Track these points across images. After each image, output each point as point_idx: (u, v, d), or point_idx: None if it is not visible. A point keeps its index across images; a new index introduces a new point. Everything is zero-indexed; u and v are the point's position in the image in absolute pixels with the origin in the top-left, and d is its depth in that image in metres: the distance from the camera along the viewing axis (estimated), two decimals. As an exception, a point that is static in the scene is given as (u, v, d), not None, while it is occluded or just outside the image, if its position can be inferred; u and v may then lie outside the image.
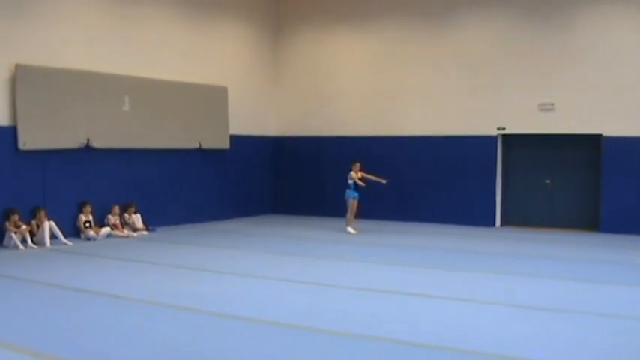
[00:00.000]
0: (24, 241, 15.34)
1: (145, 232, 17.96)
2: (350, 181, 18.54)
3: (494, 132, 20.28)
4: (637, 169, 18.69)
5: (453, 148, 20.71)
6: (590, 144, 19.53)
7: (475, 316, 9.76)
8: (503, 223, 20.53)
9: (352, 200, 18.61)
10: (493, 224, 20.29)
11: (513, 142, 20.55)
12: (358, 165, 18.61)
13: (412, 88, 21.40)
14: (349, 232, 18.44)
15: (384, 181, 18.83)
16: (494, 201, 20.41)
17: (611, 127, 18.98)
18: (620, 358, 7.80)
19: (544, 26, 19.69)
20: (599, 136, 19.20)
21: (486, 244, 17.08)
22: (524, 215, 20.43)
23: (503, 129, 20.20)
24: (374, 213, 21.00)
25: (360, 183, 18.51)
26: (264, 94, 23.35)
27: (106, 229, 17.27)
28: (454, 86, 20.79)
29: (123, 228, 17.66)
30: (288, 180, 23.46)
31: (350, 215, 18.69)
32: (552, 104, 19.62)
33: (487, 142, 20.34)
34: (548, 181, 20.18)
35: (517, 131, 20.13)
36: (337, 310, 9.90)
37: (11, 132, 15.83)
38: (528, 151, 20.52)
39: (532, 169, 20.43)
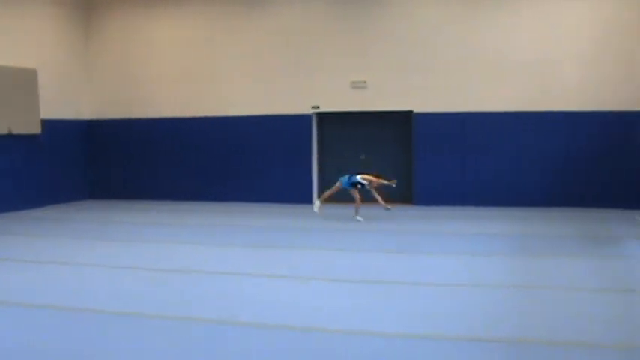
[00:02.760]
0: None
1: (-47, 224, 17.08)
2: (359, 179, 17.33)
3: (308, 110, 20.69)
4: (446, 144, 19.69)
5: (270, 127, 20.91)
6: (402, 120, 20.34)
7: (294, 292, 10.06)
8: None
9: (352, 190, 17.44)
10: (311, 201, 20.73)
11: (328, 119, 21.05)
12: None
13: (229, 68, 21.39)
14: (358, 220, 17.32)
15: (393, 184, 17.46)
16: (311, 178, 20.87)
17: (421, 104, 19.88)
18: (427, 322, 8.30)
19: (356, 5, 20.25)
20: (410, 112, 20.04)
21: (304, 221, 17.47)
22: (341, 191, 20.88)
23: (318, 107, 20.64)
24: (196, 194, 21.08)
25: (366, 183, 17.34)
26: (77, 77, 22.60)
27: None
28: (269, 65, 20.97)
29: None
30: (104, 164, 22.87)
31: (357, 204, 17.42)
32: (365, 82, 20.25)
33: (302, 120, 20.73)
34: (363, 157, 20.83)
35: (331, 109, 20.64)
36: (158, 294, 9.91)
37: None
38: (343, 128, 21.08)
39: (347, 145, 21.02)
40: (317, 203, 18.08)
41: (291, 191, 20.83)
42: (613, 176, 18.69)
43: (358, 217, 17.33)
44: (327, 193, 17.90)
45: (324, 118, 21.06)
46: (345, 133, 21.09)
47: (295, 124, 20.76)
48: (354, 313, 8.80)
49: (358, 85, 20.30)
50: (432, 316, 8.66)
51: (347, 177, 17.49)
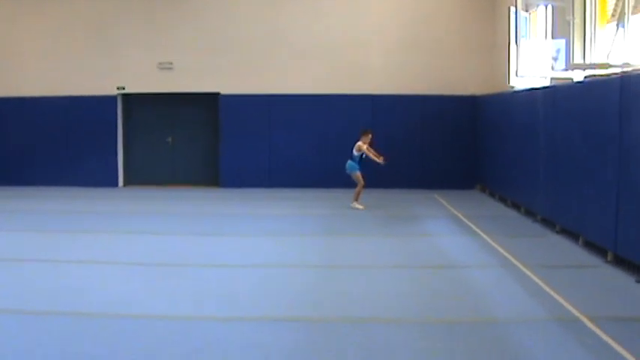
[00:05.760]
0: None
1: None
2: (356, 153, 15.78)
3: (114, 91, 20.03)
4: (252, 126, 19.69)
5: (73, 109, 20.02)
6: (209, 102, 20.13)
7: (96, 277, 9.67)
8: (127, 182, 20.44)
9: (358, 173, 16.00)
10: (116, 184, 20.13)
11: (134, 101, 20.48)
12: (370, 135, 15.91)
13: (29, 47, 20.25)
14: (356, 208, 15.88)
15: (381, 162, 15.84)
16: (117, 161, 20.21)
17: (228, 86, 19.75)
18: (231, 304, 8.23)
19: (160, -15, 19.87)
20: (217, 94, 19.87)
21: (109, 204, 16.93)
22: (147, 174, 20.49)
23: (123, 88, 20.04)
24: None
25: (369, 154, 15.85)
26: None
27: None
28: (72, 45, 20.04)
29: None
30: None
31: (359, 188, 15.98)
32: (171, 63, 19.88)
33: (107, 101, 20.02)
34: (169, 139, 20.45)
35: (137, 90, 20.09)
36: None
37: None
38: (149, 109, 20.59)
39: (154, 127, 20.54)
40: (358, 206, 15.96)
41: (97, 174, 20.02)
42: (414, 158, 19.40)
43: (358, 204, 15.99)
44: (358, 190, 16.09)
45: (131, 99, 20.45)
46: (151, 115, 20.60)
47: (100, 105, 19.99)
48: (157, 297, 8.57)
49: (165, 67, 19.89)
50: (235, 297, 8.57)
51: (349, 162, 16.00)
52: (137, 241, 12.40)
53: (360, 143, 15.85)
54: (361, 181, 16.00)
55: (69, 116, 20.09)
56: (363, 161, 15.98)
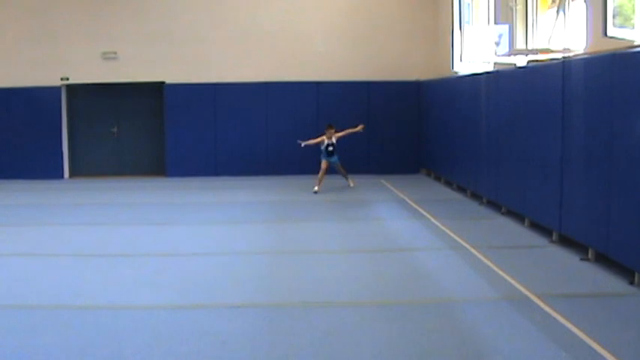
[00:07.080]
0: None
1: None
2: (322, 147, 16.90)
3: (57, 82, 19.77)
4: (197, 115, 19.65)
5: (17, 101, 19.63)
6: (154, 91, 20.01)
7: (40, 270, 9.63)
8: (73, 174, 20.18)
9: (323, 160, 16.90)
10: (62, 176, 19.89)
11: (78, 91, 20.22)
12: (332, 129, 16.87)
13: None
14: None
15: (359, 128, 17.27)
16: (62, 152, 19.96)
17: (172, 75, 19.65)
18: (185, 292, 8.28)
19: (105, -25, 19.65)
20: (162, 83, 19.76)
21: (55, 196, 16.76)
22: (93, 165, 20.28)
23: (67, 79, 19.79)
24: None
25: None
26: None
27: None
28: (13, 36, 19.69)
29: None
30: None
31: (320, 174, 16.67)
32: (115, 53, 19.69)
33: (51, 92, 19.73)
34: (114, 130, 20.28)
35: (81, 81, 19.85)
36: None
37: None
38: (94, 100, 20.35)
39: (99, 118, 20.31)
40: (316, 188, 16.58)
41: (42, 166, 19.73)
42: (360, 144, 19.47)
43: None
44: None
45: (75, 89, 20.17)
46: (96, 105, 20.35)
47: (44, 96, 19.68)
48: (109, 288, 8.55)
49: (109, 56, 19.70)
50: (189, 285, 8.61)
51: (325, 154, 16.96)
52: (86, 232, 12.27)
53: (323, 138, 16.80)
54: (322, 168, 16.65)
55: (12, 108, 19.72)
56: (329, 152, 16.77)
